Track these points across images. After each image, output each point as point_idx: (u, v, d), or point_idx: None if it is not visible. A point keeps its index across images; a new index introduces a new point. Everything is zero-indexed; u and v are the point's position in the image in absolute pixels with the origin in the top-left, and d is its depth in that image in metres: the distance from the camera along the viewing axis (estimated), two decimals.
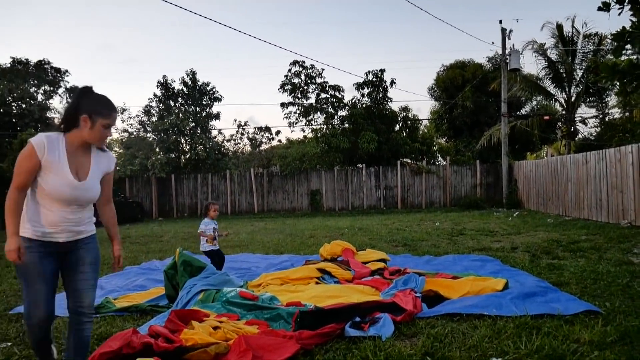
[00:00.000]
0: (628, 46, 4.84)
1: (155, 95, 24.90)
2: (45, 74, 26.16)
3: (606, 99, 23.36)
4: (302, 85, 24.43)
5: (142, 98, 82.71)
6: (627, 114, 21.18)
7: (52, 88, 26.86)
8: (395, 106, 24.94)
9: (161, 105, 24.98)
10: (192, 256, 5.14)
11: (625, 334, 3.47)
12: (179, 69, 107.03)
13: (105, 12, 75.92)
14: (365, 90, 23.79)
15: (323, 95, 24.36)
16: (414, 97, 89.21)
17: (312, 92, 24.48)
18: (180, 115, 23.90)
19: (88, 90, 2.82)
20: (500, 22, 19.84)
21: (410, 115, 25.38)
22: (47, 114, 26.58)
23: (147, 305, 4.86)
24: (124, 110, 25.40)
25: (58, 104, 34.13)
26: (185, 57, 78.41)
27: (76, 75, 39.04)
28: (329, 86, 24.29)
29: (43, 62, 26.15)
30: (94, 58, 75.63)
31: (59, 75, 26.74)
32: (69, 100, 24.63)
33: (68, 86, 27.16)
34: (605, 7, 4.47)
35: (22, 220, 2.68)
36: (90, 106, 2.74)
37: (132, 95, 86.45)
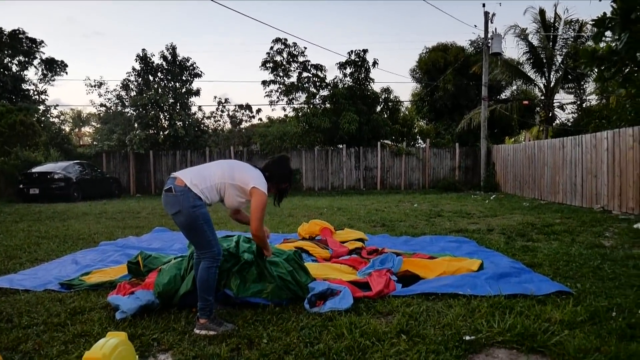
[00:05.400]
0: (608, 33, 4.87)
1: (134, 69, 24.34)
2: (20, 44, 25.31)
3: (584, 86, 23.71)
4: (284, 63, 24.19)
5: (120, 72, 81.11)
6: (604, 100, 21.51)
7: (27, 59, 26.03)
8: (377, 87, 24.92)
9: (140, 79, 24.46)
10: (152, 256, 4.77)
11: (594, 313, 3.55)
12: (156, 43, 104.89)
13: None
14: (348, 70, 23.67)
15: (305, 74, 24.20)
16: (395, 78, 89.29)
17: (294, 70, 24.29)
18: (160, 90, 23.46)
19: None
20: (484, 5, 19.88)
21: (391, 96, 25.38)
22: (22, 85, 25.82)
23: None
24: (101, 84, 24.83)
25: (33, 75, 33.19)
26: (163, 30, 76.93)
27: (49, 46, 37.70)
28: (311, 65, 24.11)
29: (17, 32, 25.25)
30: (60, 30, 73.65)
31: (34, 45, 25.89)
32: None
33: (44, 57, 26.38)
34: None
35: (202, 189, 3.50)
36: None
37: (108, 68, 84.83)
